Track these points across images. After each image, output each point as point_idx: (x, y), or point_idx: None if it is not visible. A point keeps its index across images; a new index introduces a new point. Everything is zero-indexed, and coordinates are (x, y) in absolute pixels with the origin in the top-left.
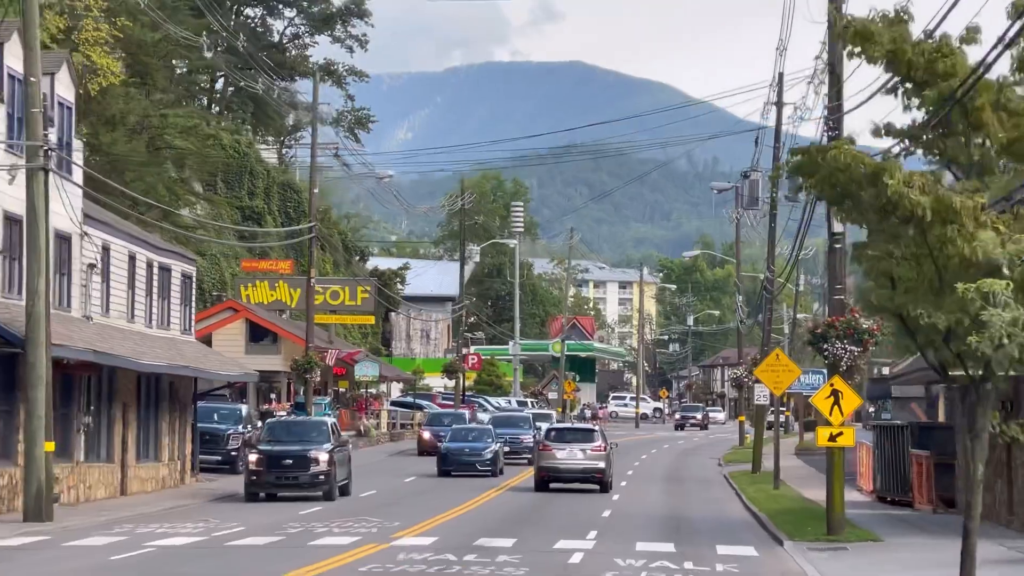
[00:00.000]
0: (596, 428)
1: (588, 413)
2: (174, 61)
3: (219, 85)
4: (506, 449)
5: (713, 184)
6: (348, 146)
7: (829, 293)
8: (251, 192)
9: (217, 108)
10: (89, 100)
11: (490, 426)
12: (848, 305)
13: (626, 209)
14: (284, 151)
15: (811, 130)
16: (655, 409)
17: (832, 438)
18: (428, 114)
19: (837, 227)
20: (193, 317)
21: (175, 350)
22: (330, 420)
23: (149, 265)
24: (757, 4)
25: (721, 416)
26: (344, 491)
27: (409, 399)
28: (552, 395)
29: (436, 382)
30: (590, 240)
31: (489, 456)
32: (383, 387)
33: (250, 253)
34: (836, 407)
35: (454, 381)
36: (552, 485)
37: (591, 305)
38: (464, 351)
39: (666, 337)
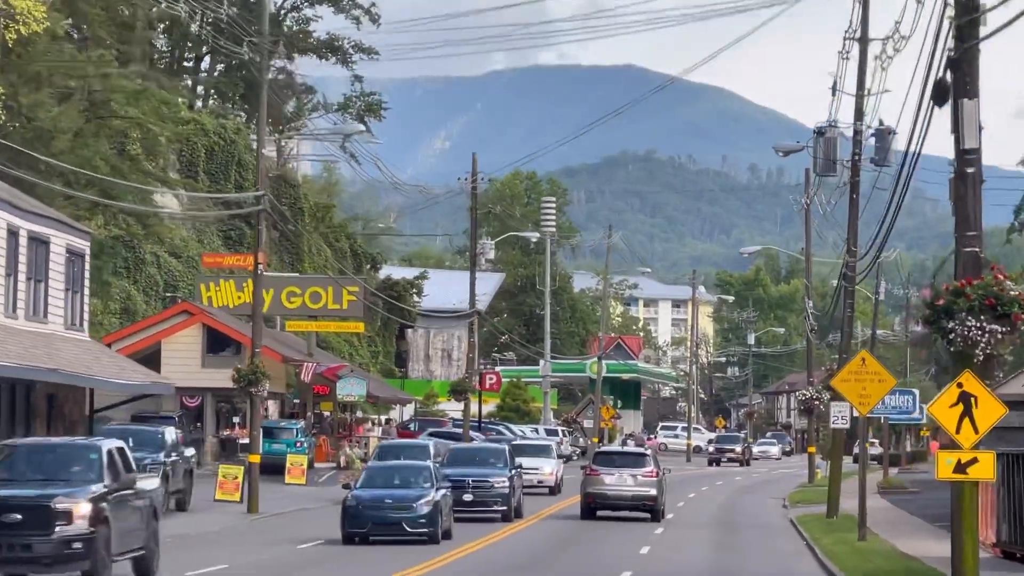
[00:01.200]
0: (647, 452)
1: (631, 444)
2: (158, 31)
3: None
4: (467, 497)
5: (776, 145)
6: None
7: (958, 245)
8: (239, 185)
9: (202, 89)
10: (8, 52)
11: (430, 464)
12: (987, 262)
13: (681, 224)
14: (284, 143)
15: (904, 72)
16: (709, 441)
17: (961, 467)
18: (467, 121)
19: (970, 140)
20: (86, 307)
21: (48, 349)
22: (108, 445)
23: (12, 233)
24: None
25: (774, 449)
26: (143, 569)
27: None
28: (588, 423)
29: (454, 407)
30: (643, 257)
31: (424, 511)
32: (394, 412)
33: (226, 247)
34: (967, 420)
35: (463, 404)
36: (599, 513)
37: (640, 325)
38: (482, 370)
39: (724, 359)
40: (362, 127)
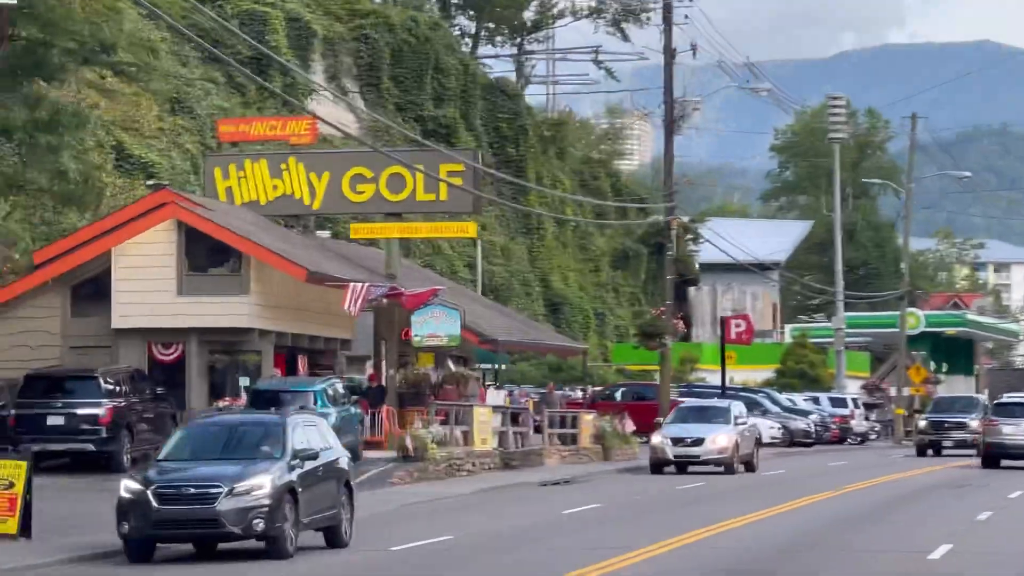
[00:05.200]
0: None
1: None
2: None
3: None
4: None
5: None
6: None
7: None
8: (438, 96)
9: None
10: None
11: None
12: None
13: None
14: (524, 59)
15: None
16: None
17: None
18: (814, 104)
19: None
20: None
21: None
22: None
23: None
24: None
25: None
26: None
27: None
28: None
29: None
30: (1000, 231)
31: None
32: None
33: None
34: None
35: (661, 356)
36: None
37: (989, 290)
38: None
39: None
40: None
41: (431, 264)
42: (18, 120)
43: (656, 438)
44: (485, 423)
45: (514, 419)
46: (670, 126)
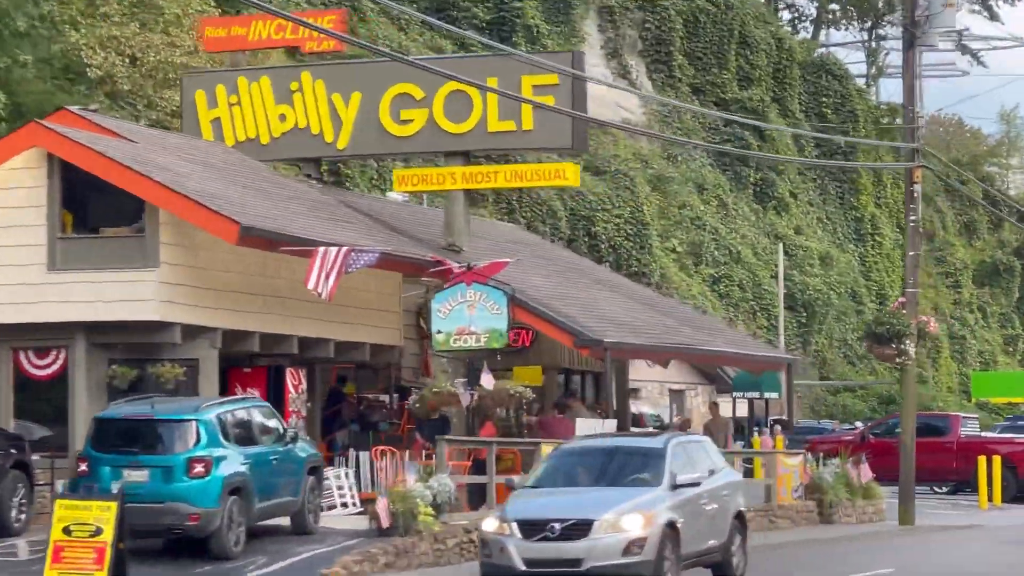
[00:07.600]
0: None
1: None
2: None
3: None
4: None
5: None
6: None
7: None
8: (745, 76)
9: None
10: None
11: None
12: None
13: None
14: (876, 44)
15: None
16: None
17: None
18: None
19: None
20: None
21: None
22: None
23: None
24: None
25: None
26: None
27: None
28: None
29: None
30: None
31: None
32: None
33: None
34: None
35: (900, 369)
36: None
37: None
38: None
39: None
40: None
41: (728, 275)
42: None
43: (490, 523)
44: None
45: None
46: (910, 32)
